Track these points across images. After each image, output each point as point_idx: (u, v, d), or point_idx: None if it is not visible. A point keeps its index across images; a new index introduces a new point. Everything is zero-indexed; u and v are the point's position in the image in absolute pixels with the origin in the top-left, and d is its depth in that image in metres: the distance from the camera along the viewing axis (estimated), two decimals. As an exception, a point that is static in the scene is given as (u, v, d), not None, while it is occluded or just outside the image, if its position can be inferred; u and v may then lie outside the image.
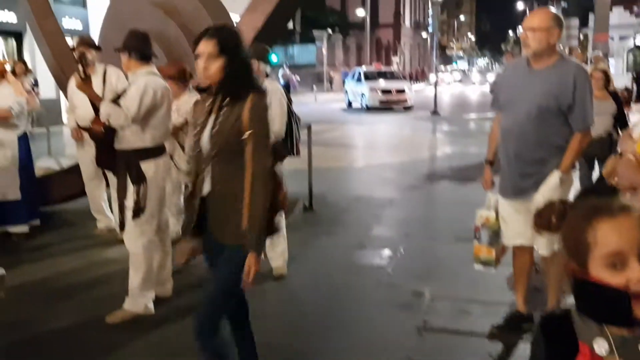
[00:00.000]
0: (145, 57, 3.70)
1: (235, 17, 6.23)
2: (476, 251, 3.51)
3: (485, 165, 3.61)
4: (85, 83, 3.69)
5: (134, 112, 3.50)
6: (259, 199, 2.32)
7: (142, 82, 3.59)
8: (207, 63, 2.33)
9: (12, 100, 5.17)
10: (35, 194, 5.63)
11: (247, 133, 2.31)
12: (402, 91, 21.62)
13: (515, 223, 3.32)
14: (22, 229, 5.43)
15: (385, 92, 21.36)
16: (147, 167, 3.66)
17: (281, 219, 4.45)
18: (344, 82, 33.00)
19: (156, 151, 3.74)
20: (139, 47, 3.67)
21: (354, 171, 9.48)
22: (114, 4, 7.19)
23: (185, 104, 4.72)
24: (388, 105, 21.10)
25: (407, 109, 21.23)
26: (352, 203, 6.88)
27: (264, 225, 2.35)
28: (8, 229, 5.38)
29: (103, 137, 3.70)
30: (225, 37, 2.37)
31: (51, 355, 3.35)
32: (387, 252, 5.05)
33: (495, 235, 3.45)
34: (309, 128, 6.38)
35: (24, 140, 5.47)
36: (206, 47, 2.33)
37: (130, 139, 3.63)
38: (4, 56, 14.71)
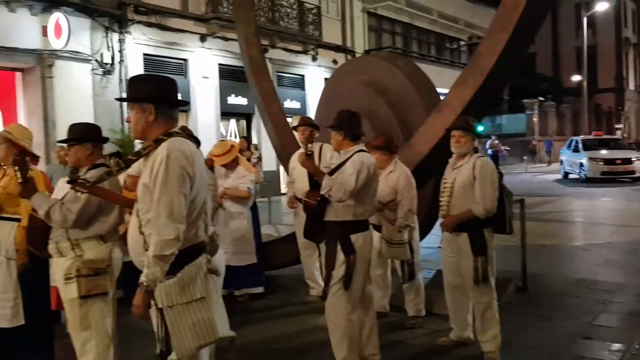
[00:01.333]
0: (356, 136, 3.93)
1: (443, 91, 6.28)
2: None
3: None
4: (309, 159, 4.01)
5: (352, 187, 3.67)
6: None
7: (358, 159, 3.77)
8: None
9: (248, 180, 5.90)
10: (262, 259, 6.18)
11: None
12: (628, 161, 19.47)
13: None
14: (259, 290, 6.02)
15: (608, 162, 19.42)
16: (356, 239, 3.77)
17: (493, 300, 4.18)
18: (547, 152, 30.94)
19: (363, 225, 3.85)
20: (351, 128, 3.91)
21: (573, 250, 8.59)
22: (329, 85, 7.79)
23: (390, 175, 4.79)
24: (612, 176, 19.08)
25: (636, 180, 18.97)
26: (572, 286, 6.20)
27: None
28: (249, 291, 5.95)
29: (315, 209, 3.93)
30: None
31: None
32: (617, 345, 4.39)
33: None
34: (521, 202, 6.02)
35: (254, 210, 6.12)
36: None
37: (342, 211, 3.78)
38: (235, 136, 16.77)
